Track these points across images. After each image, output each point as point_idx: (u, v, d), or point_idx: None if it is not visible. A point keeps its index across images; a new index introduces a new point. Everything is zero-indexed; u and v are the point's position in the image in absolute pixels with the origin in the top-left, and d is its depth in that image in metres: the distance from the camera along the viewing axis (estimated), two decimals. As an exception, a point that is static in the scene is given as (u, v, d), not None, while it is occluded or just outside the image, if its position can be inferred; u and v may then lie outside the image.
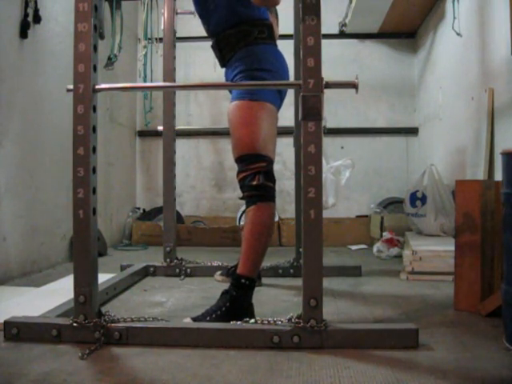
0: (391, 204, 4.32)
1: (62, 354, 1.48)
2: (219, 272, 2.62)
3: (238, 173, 1.92)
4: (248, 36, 2.00)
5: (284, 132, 3.54)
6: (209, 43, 2.14)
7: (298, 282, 1.64)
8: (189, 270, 2.74)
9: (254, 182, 1.86)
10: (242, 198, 1.94)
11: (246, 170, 1.88)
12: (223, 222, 4.31)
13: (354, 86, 1.59)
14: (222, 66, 2.12)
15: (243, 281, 1.82)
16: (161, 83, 3.02)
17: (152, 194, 4.61)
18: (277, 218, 4.31)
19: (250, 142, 1.89)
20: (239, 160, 1.91)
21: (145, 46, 3.63)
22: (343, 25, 4.41)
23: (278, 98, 2.02)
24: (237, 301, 1.79)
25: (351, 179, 3.21)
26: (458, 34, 3.15)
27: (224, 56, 2.06)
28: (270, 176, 1.89)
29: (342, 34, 4.51)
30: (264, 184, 1.87)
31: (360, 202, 4.46)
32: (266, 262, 2.78)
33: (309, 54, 1.53)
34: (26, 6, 2.66)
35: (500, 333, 1.61)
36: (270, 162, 1.92)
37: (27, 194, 2.74)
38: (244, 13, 1.99)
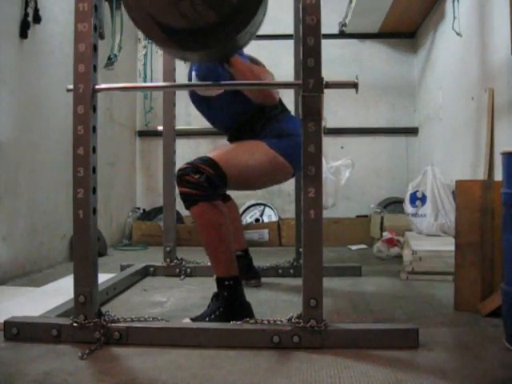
0: (391, 204, 4.33)
1: (62, 353, 1.48)
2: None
3: (183, 164, 1.85)
4: (261, 116, 2.06)
5: (284, 132, 3.55)
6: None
7: (298, 282, 1.64)
8: (189, 270, 2.74)
9: (193, 178, 1.78)
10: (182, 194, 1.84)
11: (192, 164, 1.83)
12: (223, 222, 4.31)
13: (354, 85, 1.59)
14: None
15: (226, 282, 1.81)
16: (161, 83, 3.03)
17: (152, 194, 4.61)
18: (277, 218, 4.32)
19: (222, 154, 1.90)
20: (198, 157, 1.87)
21: (145, 46, 3.64)
22: (343, 25, 4.42)
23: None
24: (231, 300, 1.79)
25: (351, 179, 3.21)
26: (458, 34, 3.15)
27: (245, 130, 2.11)
28: (210, 181, 1.81)
29: (342, 34, 4.51)
30: (201, 183, 1.79)
31: (360, 201, 4.46)
32: (266, 262, 2.79)
33: (309, 54, 1.53)
34: (26, 5, 2.66)
35: (500, 333, 1.61)
36: (221, 178, 1.84)
37: (27, 193, 2.74)
38: (249, 102, 2.05)
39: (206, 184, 1.80)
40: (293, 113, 2.81)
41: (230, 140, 2.26)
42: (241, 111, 2.10)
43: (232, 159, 1.92)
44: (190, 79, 2.18)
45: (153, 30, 1.42)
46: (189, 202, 1.82)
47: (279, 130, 2.06)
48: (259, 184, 2.16)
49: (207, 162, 1.85)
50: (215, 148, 2.01)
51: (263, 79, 1.99)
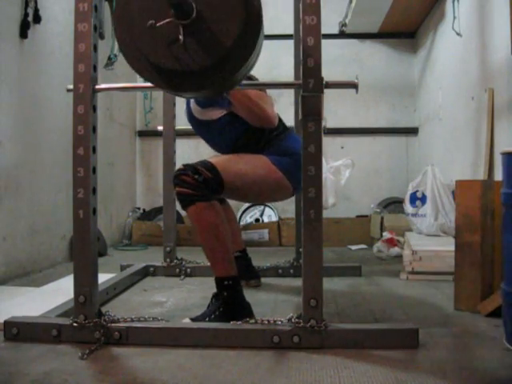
0: (391, 204, 4.33)
1: (62, 354, 1.48)
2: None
3: (182, 165, 1.85)
4: (261, 136, 2.05)
5: (284, 132, 3.55)
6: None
7: (298, 282, 1.64)
8: (189, 270, 2.75)
9: (190, 178, 1.78)
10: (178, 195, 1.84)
11: (191, 165, 1.83)
12: (223, 222, 4.31)
13: (354, 85, 1.59)
14: None
15: (226, 282, 1.81)
16: (161, 83, 3.02)
17: (152, 194, 4.61)
18: (277, 218, 4.32)
19: (222, 161, 1.90)
20: (199, 160, 1.88)
21: (145, 46, 3.63)
22: (343, 25, 4.42)
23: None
24: (231, 300, 1.79)
25: (351, 179, 3.21)
26: (458, 34, 3.15)
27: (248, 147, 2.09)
28: (207, 183, 1.81)
29: (342, 34, 4.51)
30: (199, 184, 1.79)
31: (360, 202, 4.46)
32: (266, 262, 2.79)
33: (309, 53, 1.53)
34: (26, 5, 2.66)
35: (500, 333, 1.61)
36: (218, 183, 1.85)
37: (27, 193, 2.74)
38: (247, 125, 2.05)
39: (203, 185, 1.80)
40: (293, 113, 2.82)
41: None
42: (241, 133, 2.08)
43: (232, 167, 1.91)
44: (188, 104, 2.16)
45: (146, 69, 1.42)
46: (185, 202, 1.82)
47: (282, 148, 2.04)
48: (255, 197, 2.14)
49: (206, 165, 1.85)
50: (217, 155, 2.00)
51: (262, 105, 1.98)
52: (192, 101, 2.10)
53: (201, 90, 1.39)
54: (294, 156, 1.98)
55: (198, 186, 1.80)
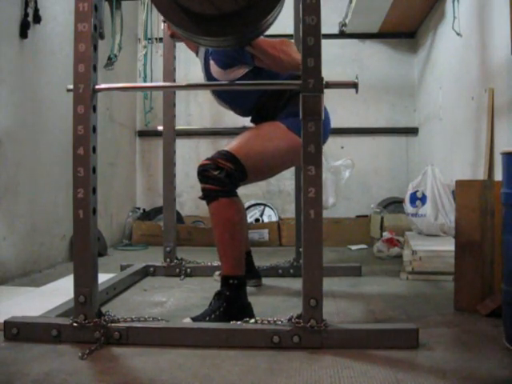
0: (391, 204, 4.33)
1: (62, 354, 1.48)
2: (218, 272, 2.62)
3: (203, 160, 1.87)
4: (283, 93, 2.03)
5: (284, 132, 3.54)
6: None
7: (298, 282, 1.64)
8: (189, 270, 2.74)
9: (214, 173, 1.81)
10: (202, 198, 1.87)
11: (212, 160, 1.85)
12: (223, 222, 4.31)
13: (354, 85, 1.59)
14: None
15: (231, 281, 1.82)
16: (161, 83, 3.02)
17: (152, 194, 4.61)
18: (277, 218, 4.32)
19: (242, 149, 1.89)
20: (217, 152, 1.89)
21: (145, 46, 3.64)
22: (343, 25, 4.42)
23: None
24: (232, 300, 1.79)
25: (351, 179, 3.21)
26: (458, 34, 3.15)
27: (265, 110, 2.09)
28: (231, 177, 1.84)
29: (342, 34, 4.51)
30: (222, 179, 1.81)
31: (360, 202, 4.46)
32: (266, 262, 2.79)
33: (309, 53, 1.53)
34: (26, 6, 2.66)
35: (500, 333, 1.61)
36: (241, 172, 1.86)
37: (27, 193, 2.74)
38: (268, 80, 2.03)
39: (226, 180, 1.82)
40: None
41: (254, 121, 2.23)
42: (263, 91, 2.06)
43: (251, 150, 1.90)
44: (207, 69, 2.11)
45: (173, 12, 1.43)
46: (209, 197, 1.84)
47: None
48: (279, 170, 2.12)
49: (226, 156, 1.85)
50: (235, 137, 1.97)
51: (288, 51, 1.93)
52: (212, 64, 2.06)
53: (224, 36, 1.46)
54: (325, 120, 1.96)
55: (221, 181, 1.81)
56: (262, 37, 1.87)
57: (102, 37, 1.68)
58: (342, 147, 4.49)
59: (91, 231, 1.57)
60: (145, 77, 3.67)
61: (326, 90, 1.54)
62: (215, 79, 2.09)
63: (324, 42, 1.54)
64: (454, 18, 3.14)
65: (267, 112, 2.09)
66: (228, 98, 2.18)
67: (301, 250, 1.63)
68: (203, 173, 1.84)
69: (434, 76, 3.96)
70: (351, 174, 3.16)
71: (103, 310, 1.65)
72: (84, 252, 1.58)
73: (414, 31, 4.47)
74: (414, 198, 3.17)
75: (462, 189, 2.03)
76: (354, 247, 3.83)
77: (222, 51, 1.99)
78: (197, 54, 2.27)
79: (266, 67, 1.99)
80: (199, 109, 4.64)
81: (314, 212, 1.52)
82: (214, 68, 2.06)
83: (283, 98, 2.06)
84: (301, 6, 1.55)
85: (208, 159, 1.86)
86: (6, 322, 1.61)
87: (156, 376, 1.33)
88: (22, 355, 1.47)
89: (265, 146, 1.93)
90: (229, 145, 1.93)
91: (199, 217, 4.49)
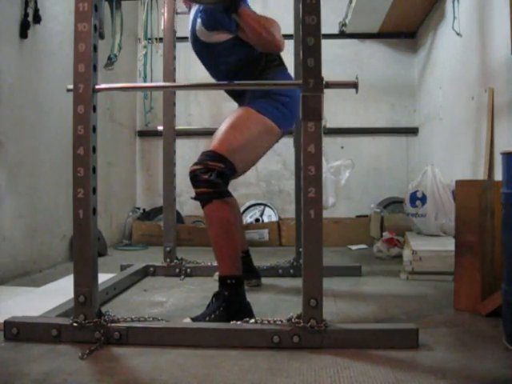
0: (391, 204, 4.32)
1: (62, 354, 1.48)
2: (217, 272, 2.62)
3: (193, 165, 1.89)
4: (258, 66, 2.06)
5: (284, 132, 3.54)
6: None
7: (298, 282, 1.64)
8: (189, 270, 2.74)
9: (205, 177, 1.83)
10: (194, 198, 1.90)
11: (201, 163, 1.86)
12: (223, 222, 4.31)
13: (354, 85, 1.59)
14: (238, 100, 2.19)
15: (229, 281, 1.82)
16: (161, 83, 3.03)
17: (152, 194, 4.61)
18: (277, 218, 4.32)
19: (223, 143, 1.90)
20: (203, 153, 1.90)
21: (145, 46, 3.63)
22: (343, 25, 4.42)
23: (288, 121, 2.04)
24: (231, 300, 1.80)
25: (351, 179, 3.21)
26: (458, 34, 3.15)
27: (241, 92, 2.11)
28: (222, 177, 1.86)
29: (342, 34, 4.51)
30: (214, 181, 1.83)
31: (360, 202, 4.46)
32: (266, 262, 2.79)
33: (309, 54, 1.53)
34: (26, 5, 2.66)
35: (500, 333, 1.61)
36: (230, 168, 1.89)
37: (27, 193, 2.74)
38: (248, 51, 2.05)
39: (218, 180, 1.84)
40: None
41: (233, 96, 2.24)
42: (241, 58, 2.08)
43: (234, 144, 1.91)
44: (193, 26, 2.14)
45: None
46: (203, 200, 1.86)
47: (266, 91, 2.03)
48: (261, 155, 2.13)
49: (214, 157, 1.86)
50: (214, 135, 1.98)
51: (271, 29, 1.96)
52: (199, 23, 2.08)
53: None
54: (278, 97, 1.99)
55: (214, 183, 1.83)
56: (251, 9, 1.93)
57: (101, 37, 1.69)
58: (342, 147, 4.49)
59: (91, 231, 1.57)
60: (145, 77, 3.67)
61: (326, 90, 1.54)
62: (197, 38, 2.12)
63: (324, 42, 1.54)
64: (454, 17, 3.14)
65: (242, 79, 2.07)
66: (207, 58, 2.19)
67: (301, 250, 1.63)
68: (195, 178, 1.86)
69: (434, 76, 3.96)
70: (351, 174, 3.16)
71: (103, 309, 1.65)
72: (84, 252, 1.58)
73: (414, 31, 4.47)
74: (414, 198, 3.16)
75: (462, 189, 2.03)
76: (354, 247, 3.83)
77: (210, 13, 2.02)
78: (189, 10, 2.29)
79: (246, 40, 2.01)
80: (199, 109, 4.64)
81: (314, 212, 1.53)
82: (199, 27, 2.09)
83: (258, 67, 2.07)
84: (301, 5, 1.55)
85: (197, 163, 1.88)
86: (5, 322, 1.61)
87: (156, 376, 1.33)
88: (22, 355, 1.47)
89: (245, 136, 1.94)
90: (212, 144, 1.93)
91: (199, 217, 4.48)
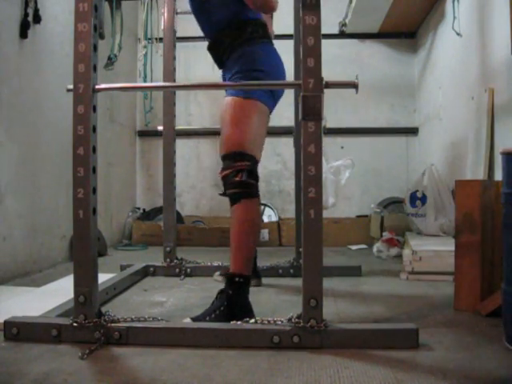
0: (391, 204, 4.32)
1: (62, 354, 1.48)
2: (218, 272, 2.62)
3: (222, 170, 1.92)
4: (241, 35, 2.01)
5: (284, 132, 3.54)
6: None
7: (298, 282, 1.64)
8: (189, 270, 2.74)
9: (237, 179, 1.86)
10: (222, 195, 1.94)
11: (230, 167, 1.89)
12: (223, 222, 4.30)
13: (354, 85, 1.59)
14: (220, 67, 2.14)
15: (237, 279, 1.82)
16: (161, 83, 3.02)
17: (152, 194, 4.61)
18: (277, 218, 4.32)
19: (238, 140, 1.90)
20: (225, 157, 1.92)
21: (145, 46, 3.63)
22: (343, 25, 4.42)
23: (272, 99, 2.03)
24: (234, 299, 1.79)
25: (351, 179, 3.21)
26: (458, 34, 3.15)
27: (220, 57, 2.08)
28: (253, 175, 1.90)
29: (342, 34, 4.51)
30: (246, 181, 1.87)
31: (360, 202, 4.46)
32: (266, 262, 2.79)
33: (309, 54, 1.53)
34: (26, 5, 2.66)
35: (500, 333, 1.61)
36: (255, 161, 1.93)
37: (27, 193, 2.74)
38: (237, 12, 2.01)
39: (250, 180, 1.87)
40: (293, 113, 2.82)
41: (210, 49, 2.17)
42: (230, 17, 2.02)
43: (247, 137, 1.91)
44: None
45: None
46: (233, 200, 1.88)
47: (254, 55, 1.99)
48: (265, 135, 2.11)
49: (237, 157, 1.88)
50: (223, 136, 1.96)
51: None
52: None
53: None
54: (265, 73, 1.96)
55: (246, 184, 1.86)
56: None
57: (101, 37, 1.69)
58: (342, 147, 4.49)
59: (91, 231, 1.57)
60: (145, 77, 3.67)
61: (326, 90, 1.54)
62: None
63: (324, 42, 1.54)
64: (454, 17, 3.14)
65: (222, 45, 2.04)
66: (200, 15, 2.13)
67: (301, 250, 1.63)
68: (227, 181, 1.89)
69: (434, 76, 3.96)
70: (351, 174, 3.16)
71: (103, 309, 1.64)
72: (84, 252, 1.58)
73: (414, 31, 4.47)
74: (414, 198, 3.17)
75: (461, 189, 2.03)
76: (354, 247, 3.83)
77: None
78: None
79: None
80: (199, 109, 4.64)
81: (314, 212, 1.53)
82: None
83: (243, 35, 2.01)
84: (301, 5, 1.55)
85: (225, 168, 1.90)
86: (5, 322, 1.61)
87: (156, 376, 1.33)
88: (22, 355, 1.47)
89: (251, 126, 1.93)
90: (225, 145, 1.93)
91: (199, 217, 4.50)
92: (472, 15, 3.03)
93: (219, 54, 2.08)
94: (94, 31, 1.58)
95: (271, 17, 2.33)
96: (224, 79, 2.11)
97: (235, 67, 1.99)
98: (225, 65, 2.08)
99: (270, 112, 2.08)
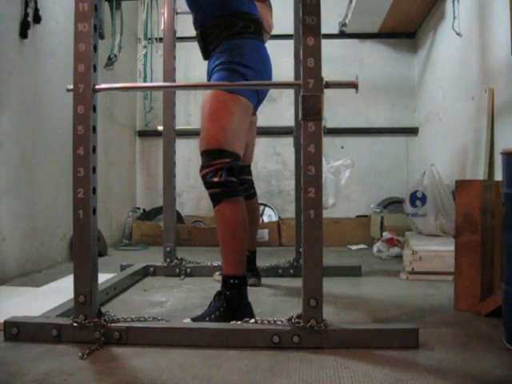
0: (391, 204, 4.32)
1: (62, 354, 1.48)
2: (218, 272, 2.62)
3: (201, 168, 1.89)
4: (232, 27, 1.99)
5: (284, 132, 3.55)
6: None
7: (298, 282, 1.64)
8: (189, 270, 2.74)
9: (216, 179, 1.84)
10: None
11: (209, 165, 1.86)
12: (223, 222, 4.31)
13: (354, 86, 1.59)
14: (205, 58, 2.11)
15: (232, 281, 1.82)
16: (161, 83, 3.02)
17: (152, 194, 4.61)
18: (277, 218, 4.32)
19: (217, 136, 1.88)
20: (204, 154, 1.90)
21: (145, 46, 3.63)
22: (343, 25, 4.41)
23: (255, 96, 2.01)
24: (232, 300, 1.79)
25: (351, 179, 3.21)
26: (458, 34, 3.15)
27: (207, 47, 2.06)
28: (233, 172, 1.87)
29: (342, 34, 4.50)
30: (226, 180, 1.84)
31: (360, 202, 4.46)
32: (266, 262, 2.79)
33: (309, 54, 1.53)
34: (26, 5, 2.66)
35: (500, 333, 1.61)
36: (235, 158, 1.89)
37: (27, 193, 2.74)
38: (232, 5, 1.99)
39: (230, 179, 1.84)
40: (292, 113, 2.82)
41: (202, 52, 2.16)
42: (224, 5, 2.00)
43: (226, 133, 1.88)
44: None
45: None
46: (215, 201, 1.86)
47: (234, 55, 1.96)
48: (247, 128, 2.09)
49: (216, 155, 1.86)
50: (202, 130, 1.95)
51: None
52: None
53: None
54: (251, 70, 1.95)
55: (225, 183, 1.84)
56: None
57: (101, 37, 1.68)
58: (342, 147, 4.49)
59: (91, 231, 1.57)
60: (145, 77, 3.66)
61: (326, 90, 1.54)
62: None
63: (324, 42, 1.54)
64: (454, 18, 3.14)
65: (212, 35, 2.03)
66: (193, 6, 2.11)
67: (301, 250, 1.63)
68: (207, 180, 1.87)
69: (434, 76, 3.96)
70: (351, 174, 3.16)
71: (103, 310, 1.64)
72: (84, 252, 1.58)
73: (414, 31, 4.46)
74: (414, 198, 3.17)
75: (462, 189, 2.03)
76: (354, 247, 3.83)
77: None
78: None
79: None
80: (199, 109, 4.61)
81: (314, 212, 1.53)
82: None
83: (233, 29, 1.99)
84: (301, 5, 1.55)
85: (204, 167, 1.87)
86: (5, 322, 1.61)
87: (156, 376, 1.33)
88: (22, 355, 1.47)
89: (231, 121, 1.90)
90: (204, 140, 1.91)
91: (199, 217, 4.49)
92: (472, 15, 3.03)
93: (207, 44, 2.05)
94: (94, 31, 1.58)
95: (270, 9, 2.31)
96: (208, 69, 2.08)
97: (221, 58, 1.97)
98: (210, 55, 2.05)
99: (256, 109, 2.07)
